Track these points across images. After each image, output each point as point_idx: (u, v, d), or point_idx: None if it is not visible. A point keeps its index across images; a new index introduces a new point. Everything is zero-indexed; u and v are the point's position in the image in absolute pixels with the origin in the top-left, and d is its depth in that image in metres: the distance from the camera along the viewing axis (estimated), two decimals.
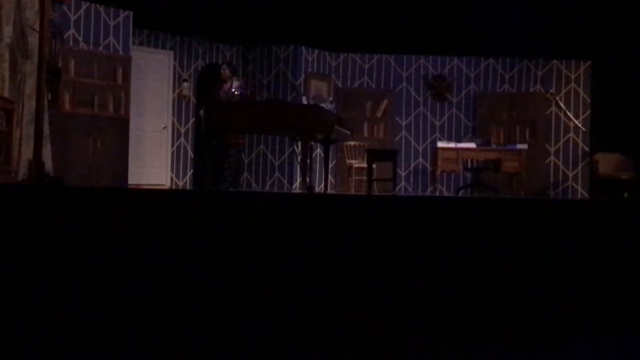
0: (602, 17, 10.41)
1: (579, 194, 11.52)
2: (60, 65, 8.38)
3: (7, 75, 6.16)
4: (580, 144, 11.62)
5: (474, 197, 9.89)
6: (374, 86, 11.89)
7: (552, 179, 11.62)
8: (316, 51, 11.63)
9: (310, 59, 11.56)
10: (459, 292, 3.72)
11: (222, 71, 9.37)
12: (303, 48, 11.44)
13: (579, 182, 11.63)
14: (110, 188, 6.12)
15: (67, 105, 8.94)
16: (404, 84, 11.81)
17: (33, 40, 6.44)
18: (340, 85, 11.85)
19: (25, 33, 6.54)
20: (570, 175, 11.64)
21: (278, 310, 3.43)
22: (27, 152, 6.07)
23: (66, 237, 3.16)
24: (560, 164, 11.64)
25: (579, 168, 11.63)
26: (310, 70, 11.54)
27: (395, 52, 11.75)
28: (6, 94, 6.00)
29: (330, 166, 10.05)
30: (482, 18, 10.57)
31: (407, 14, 10.83)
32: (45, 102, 5.67)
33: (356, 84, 11.90)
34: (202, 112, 8.72)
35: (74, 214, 3.20)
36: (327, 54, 11.78)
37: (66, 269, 3.14)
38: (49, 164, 5.85)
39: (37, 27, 5.79)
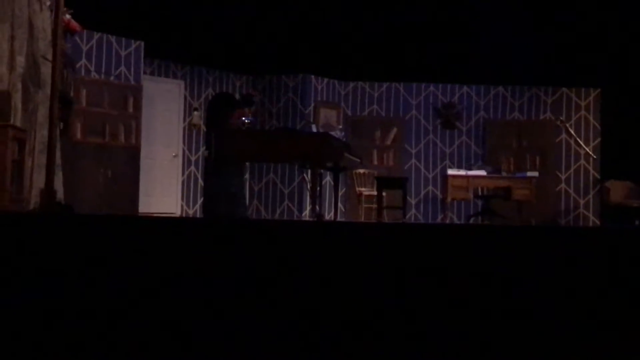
0: (611, 44, 10.44)
1: (590, 222, 11.47)
2: (72, 94, 8.47)
3: (19, 104, 6.22)
4: (591, 172, 11.59)
5: (485, 224, 9.86)
6: (383, 114, 11.93)
7: (562, 207, 11.58)
8: (325, 80, 11.70)
9: (319, 88, 11.63)
10: (465, 319, 3.69)
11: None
12: (312, 77, 11.51)
13: (590, 209, 11.58)
14: (122, 216, 6.14)
15: (78, 134, 9.02)
16: (414, 111, 11.85)
17: (45, 70, 6.52)
18: (349, 113, 11.90)
19: (37, 63, 6.62)
20: (582, 202, 11.60)
21: (285, 338, 3.41)
22: (39, 181, 6.10)
23: (78, 266, 3.16)
24: (571, 191, 11.61)
25: (590, 195, 11.59)
26: (319, 98, 11.60)
27: (405, 80, 11.81)
28: (18, 123, 6.06)
29: (340, 194, 10.06)
30: (491, 46, 10.63)
31: (417, 42, 10.90)
32: (57, 131, 5.72)
33: (365, 112, 11.94)
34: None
35: (85, 242, 3.21)
36: (336, 83, 11.84)
37: (77, 297, 3.14)
38: (60, 193, 5.88)
39: (49, 57, 5.86)
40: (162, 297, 3.26)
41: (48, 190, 4.28)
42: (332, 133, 8.21)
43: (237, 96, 11.11)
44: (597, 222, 11.44)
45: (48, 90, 5.81)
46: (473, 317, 3.68)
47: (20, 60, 6.26)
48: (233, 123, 8.53)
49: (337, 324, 3.46)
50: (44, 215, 3.93)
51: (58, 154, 6.12)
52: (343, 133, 10.54)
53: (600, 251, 4.08)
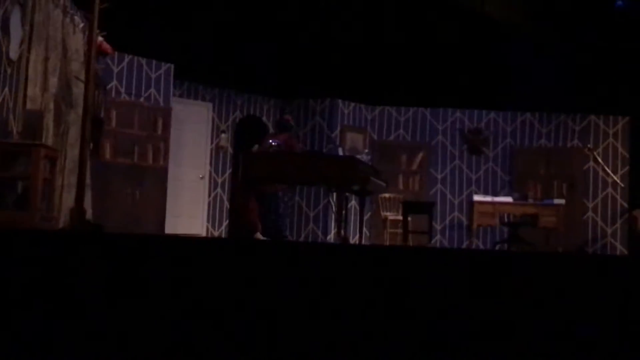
0: (639, 73, 10.39)
1: (618, 251, 11.33)
2: (102, 115, 8.59)
3: (51, 124, 6.33)
4: (619, 200, 11.47)
5: (512, 251, 9.78)
6: (409, 139, 11.94)
7: (590, 235, 11.46)
8: (352, 104, 11.75)
9: (346, 112, 11.67)
10: (488, 347, 3.66)
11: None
12: (340, 101, 11.56)
13: (618, 238, 11.45)
14: (151, 235, 6.20)
15: (108, 155, 9.12)
16: (440, 137, 11.84)
17: (77, 90, 6.64)
18: (375, 137, 11.92)
19: (70, 84, 6.73)
20: (609, 231, 11.48)
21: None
22: (69, 200, 6.19)
23: (106, 284, 3.20)
24: (598, 219, 11.49)
25: (618, 224, 11.46)
26: (346, 122, 11.64)
27: (431, 106, 11.81)
28: (50, 142, 6.16)
29: (365, 218, 10.05)
30: (519, 72, 10.63)
31: (444, 67, 10.93)
32: (88, 151, 5.80)
33: (392, 137, 11.96)
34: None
35: (114, 261, 3.25)
36: (363, 107, 11.88)
37: (104, 315, 3.17)
38: (89, 212, 5.95)
39: (82, 78, 5.96)
40: (188, 316, 3.28)
41: (78, 208, 4.34)
42: (358, 157, 8.23)
43: (264, 119, 11.25)
44: (625, 251, 11.30)
45: (80, 111, 5.91)
46: (498, 342, 3.66)
47: (54, 81, 6.38)
48: (262, 146, 8.62)
49: (360, 346, 3.46)
50: (74, 234, 3.98)
51: (88, 173, 6.21)
52: (369, 157, 10.56)
53: (628, 281, 4.03)
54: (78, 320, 3.12)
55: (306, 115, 11.67)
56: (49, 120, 6.27)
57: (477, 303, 3.74)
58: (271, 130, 11.50)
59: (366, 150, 11.22)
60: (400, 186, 11.71)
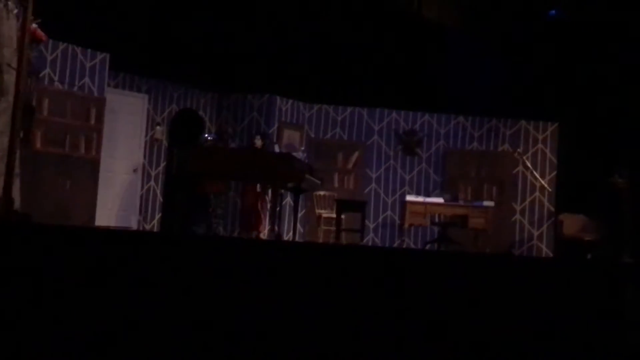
0: (569, 81, 10.73)
1: (544, 253, 11.65)
2: (34, 103, 8.39)
3: None
4: (546, 204, 11.80)
5: (441, 250, 9.97)
6: (345, 138, 12.03)
7: (517, 237, 11.75)
8: (290, 101, 11.77)
9: (284, 109, 11.69)
10: (420, 346, 3.75)
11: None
12: (277, 97, 11.56)
13: (544, 241, 11.77)
14: (79, 227, 6.10)
15: (38, 144, 8.92)
16: (376, 137, 11.97)
17: (9, 78, 6.46)
18: (312, 135, 11.97)
19: (1, 70, 6.56)
20: (535, 234, 11.80)
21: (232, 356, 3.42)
22: None
23: (32, 275, 3.15)
24: (525, 222, 11.80)
25: (544, 227, 11.79)
26: (283, 119, 11.65)
27: (368, 105, 11.93)
28: None
29: (299, 215, 10.08)
30: (454, 76, 10.84)
31: (381, 68, 11.06)
32: (18, 139, 5.66)
33: (328, 135, 12.03)
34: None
35: (41, 251, 3.20)
36: (300, 104, 11.91)
37: (28, 304, 3.13)
38: (17, 202, 5.81)
39: (14, 65, 5.82)
40: (115, 308, 3.26)
41: (6, 198, 4.25)
42: (295, 154, 8.27)
43: (201, 112, 11.19)
44: (550, 254, 11.62)
45: (11, 98, 5.76)
46: (422, 341, 3.74)
47: None
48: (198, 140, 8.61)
49: (289, 343, 3.49)
50: (0, 223, 3.91)
51: (17, 162, 6.06)
52: (305, 154, 10.62)
53: (551, 282, 4.18)
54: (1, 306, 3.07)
55: (243, 110, 11.64)
56: None
57: (407, 300, 3.82)
58: (207, 124, 11.45)
59: (302, 148, 11.27)
60: (336, 184, 11.80)
